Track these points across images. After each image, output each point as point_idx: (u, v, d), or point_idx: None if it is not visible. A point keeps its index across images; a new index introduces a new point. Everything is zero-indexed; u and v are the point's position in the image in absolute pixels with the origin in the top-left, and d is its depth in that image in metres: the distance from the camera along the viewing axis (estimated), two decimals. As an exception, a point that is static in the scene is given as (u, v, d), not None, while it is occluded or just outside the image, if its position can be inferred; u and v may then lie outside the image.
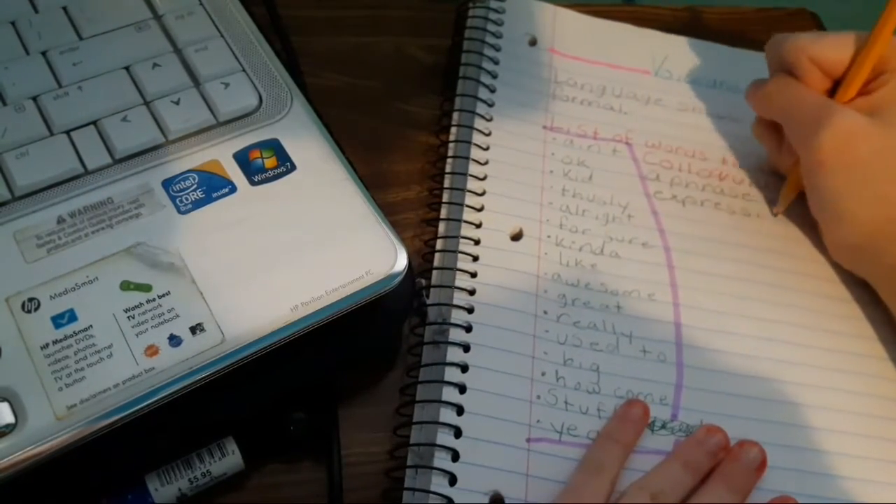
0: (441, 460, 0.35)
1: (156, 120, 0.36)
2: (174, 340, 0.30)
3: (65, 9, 0.38)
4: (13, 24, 0.37)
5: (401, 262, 0.33)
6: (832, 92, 0.40)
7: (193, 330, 0.31)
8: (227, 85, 0.37)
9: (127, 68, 0.37)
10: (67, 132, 0.35)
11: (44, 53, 0.37)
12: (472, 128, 0.44)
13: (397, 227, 0.34)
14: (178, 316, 0.31)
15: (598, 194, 0.43)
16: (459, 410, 0.36)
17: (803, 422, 0.38)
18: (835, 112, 0.37)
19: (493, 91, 0.46)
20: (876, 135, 0.37)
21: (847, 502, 0.36)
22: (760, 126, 0.44)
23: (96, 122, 0.35)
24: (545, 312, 0.39)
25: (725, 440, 0.36)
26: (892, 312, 0.40)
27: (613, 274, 0.41)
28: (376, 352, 0.38)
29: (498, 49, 0.47)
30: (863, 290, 0.42)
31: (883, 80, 0.38)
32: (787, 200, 0.43)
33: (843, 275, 0.42)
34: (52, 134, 0.35)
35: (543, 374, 0.37)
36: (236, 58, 0.38)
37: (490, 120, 0.45)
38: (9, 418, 0.28)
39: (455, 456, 0.35)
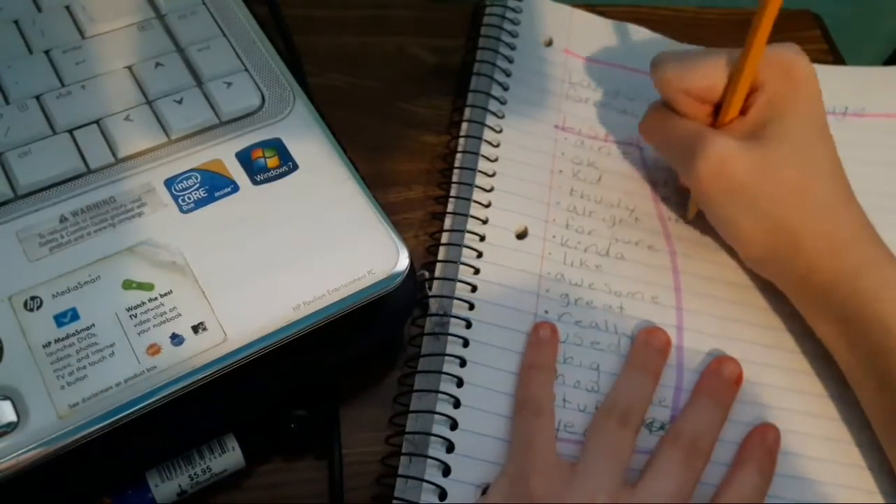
0: (436, 450, 0.35)
1: (158, 119, 0.36)
2: (176, 339, 0.31)
3: (67, 8, 0.38)
4: (16, 23, 0.37)
5: (402, 261, 0.33)
6: (716, 114, 0.39)
7: (195, 329, 0.31)
8: (229, 84, 0.37)
9: (129, 67, 0.37)
10: (70, 131, 0.35)
11: (47, 52, 0.37)
12: (483, 124, 0.44)
13: (399, 226, 0.35)
14: (180, 315, 0.31)
15: (606, 196, 0.44)
16: (456, 403, 0.36)
17: (802, 429, 0.37)
18: (706, 140, 0.36)
19: (506, 89, 0.46)
20: (748, 156, 0.36)
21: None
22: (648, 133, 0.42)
23: (99, 122, 0.35)
24: (546, 312, 0.39)
25: (667, 336, 0.38)
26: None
27: (618, 275, 0.41)
28: (378, 351, 0.38)
29: (513, 48, 0.48)
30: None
31: (754, 97, 0.37)
32: (692, 213, 0.43)
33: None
34: (54, 133, 0.35)
35: None
36: (239, 57, 0.38)
37: (502, 117, 0.45)
38: (11, 417, 0.28)
39: (450, 448, 0.35)
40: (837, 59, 0.52)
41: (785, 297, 0.41)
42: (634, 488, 0.34)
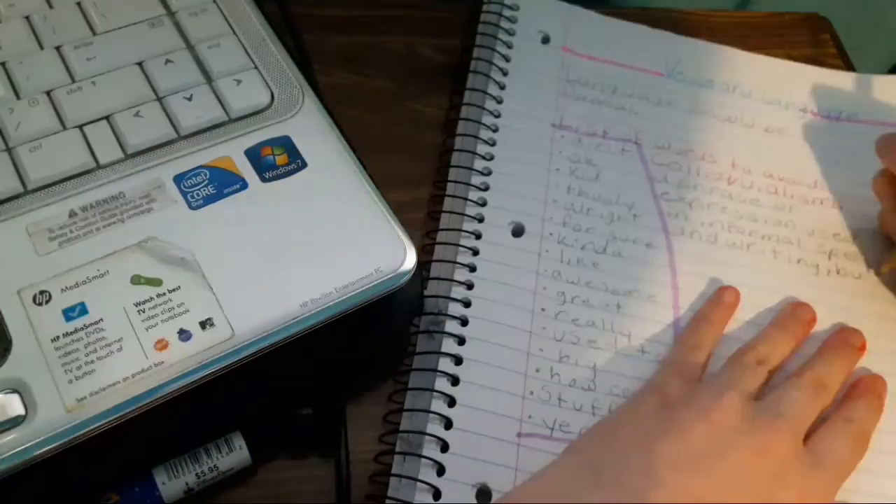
0: (430, 450, 0.35)
1: (168, 116, 0.36)
2: (184, 335, 0.31)
3: (79, 4, 0.38)
4: (28, 18, 0.38)
5: (409, 260, 0.33)
6: None
7: (203, 325, 0.31)
8: (239, 82, 0.37)
9: (140, 64, 0.37)
10: (80, 126, 0.35)
11: (58, 48, 0.37)
12: (479, 122, 0.44)
13: (406, 225, 0.35)
14: (188, 311, 0.31)
15: (604, 193, 0.44)
16: (451, 402, 0.36)
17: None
18: None
19: (502, 87, 0.46)
20: None
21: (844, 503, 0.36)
22: (884, 180, 0.41)
23: (109, 117, 0.35)
24: (543, 309, 0.39)
25: (813, 312, 0.40)
26: None
27: (615, 273, 0.41)
28: (384, 349, 0.38)
29: (510, 46, 0.48)
30: (853, 299, 0.42)
31: None
32: (890, 267, 0.42)
33: (839, 283, 0.42)
34: (65, 128, 0.35)
35: (538, 370, 0.37)
36: (248, 55, 0.38)
37: (498, 116, 0.45)
38: (19, 410, 0.28)
39: (444, 447, 0.35)
40: (846, 63, 0.52)
41: (784, 297, 0.41)
42: (760, 402, 0.35)
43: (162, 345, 0.30)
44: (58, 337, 0.30)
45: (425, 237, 0.41)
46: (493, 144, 0.44)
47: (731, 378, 0.36)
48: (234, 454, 0.33)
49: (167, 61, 0.37)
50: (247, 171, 0.35)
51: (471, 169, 0.43)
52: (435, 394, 0.36)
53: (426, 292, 0.39)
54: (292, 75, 0.38)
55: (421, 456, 0.35)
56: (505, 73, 0.47)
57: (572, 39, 0.49)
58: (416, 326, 0.38)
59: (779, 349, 0.38)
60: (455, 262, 0.40)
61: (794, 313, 0.40)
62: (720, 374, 0.36)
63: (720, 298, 0.40)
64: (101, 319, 0.30)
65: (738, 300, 0.40)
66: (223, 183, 0.34)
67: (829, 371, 0.37)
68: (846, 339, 0.39)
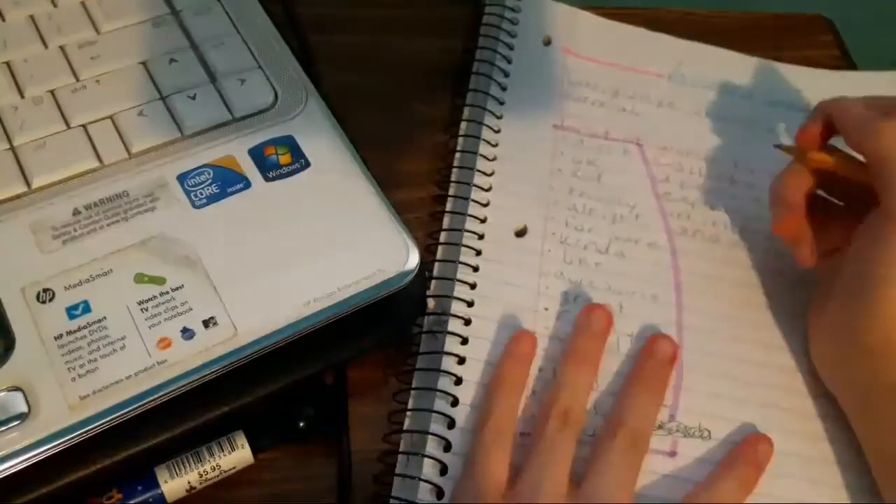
0: (433, 449, 0.35)
1: (172, 115, 0.36)
2: (187, 333, 0.31)
3: (83, 3, 0.38)
4: (32, 17, 0.38)
5: (412, 260, 0.33)
6: None
7: (206, 323, 0.31)
8: (243, 81, 0.37)
9: (144, 63, 0.37)
10: (84, 125, 0.35)
11: (62, 47, 0.37)
12: (482, 124, 0.44)
13: (409, 226, 0.35)
14: (191, 309, 0.31)
15: (606, 194, 0.44)
16: (454, 402, 0.36)
17: (804, 430, 0.37)
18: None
19: (504, 89, 0.46)
20: None
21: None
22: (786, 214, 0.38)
23: (113, 116, 0.36)
24: (546, 309, 0.39)
25: (607, 319, 0.38)
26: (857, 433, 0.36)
27: (617, 273, 0.41)
28: (388, 348, 0.38)
29: (512, 48, 0.48)
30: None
31: None
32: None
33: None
34: (69, 127, 0.35)
35: (540, 370, 0.37)
36: (253, 55, 0.38)
37: (500, 117, 0.45)
38: (22, 408, 0.28)
39: (447, 446, 0.35)
40: (849, 64, 0.52)
41: (787, 297, 0.41)
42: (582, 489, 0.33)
43: (165, 343, 0.30)
44: (61, 335, 0.30)
45: (428, 237, 0.41)
46: (496, 145, 0.44)
47: (541, 470, 0.33)
48: (236, 453, 0.33)
49: (171, 60, 0.37)
50: (250, 170, 0.35)
51: (473, 169, 0.43)
52: (438, 393, 0.36)
53: (429, 292, 0.39)
54: (296, 75, 0.38)
55: (424, 455, 0.35)
56: (507, 75, 0.47)
57: (574, 41, 0.49)
58: (419, 326, 0.38)
59: (580, 396, 0.36)
60: (458, 262, 0.40)
61: (652, 354, 0.37)
62: (527, 465, 0.33)
63: (514, 349, 0.37)
64: (105, 318, 0.31)
65: (534, 349, 0.37)
66: (227, 182, 0.34)
67: (642, 415, 0.35)
68: (654, 356, 0.37)
